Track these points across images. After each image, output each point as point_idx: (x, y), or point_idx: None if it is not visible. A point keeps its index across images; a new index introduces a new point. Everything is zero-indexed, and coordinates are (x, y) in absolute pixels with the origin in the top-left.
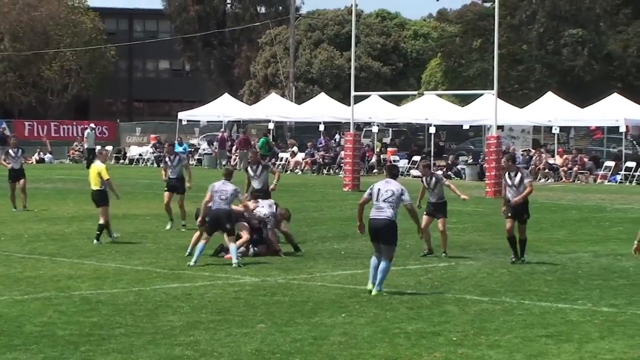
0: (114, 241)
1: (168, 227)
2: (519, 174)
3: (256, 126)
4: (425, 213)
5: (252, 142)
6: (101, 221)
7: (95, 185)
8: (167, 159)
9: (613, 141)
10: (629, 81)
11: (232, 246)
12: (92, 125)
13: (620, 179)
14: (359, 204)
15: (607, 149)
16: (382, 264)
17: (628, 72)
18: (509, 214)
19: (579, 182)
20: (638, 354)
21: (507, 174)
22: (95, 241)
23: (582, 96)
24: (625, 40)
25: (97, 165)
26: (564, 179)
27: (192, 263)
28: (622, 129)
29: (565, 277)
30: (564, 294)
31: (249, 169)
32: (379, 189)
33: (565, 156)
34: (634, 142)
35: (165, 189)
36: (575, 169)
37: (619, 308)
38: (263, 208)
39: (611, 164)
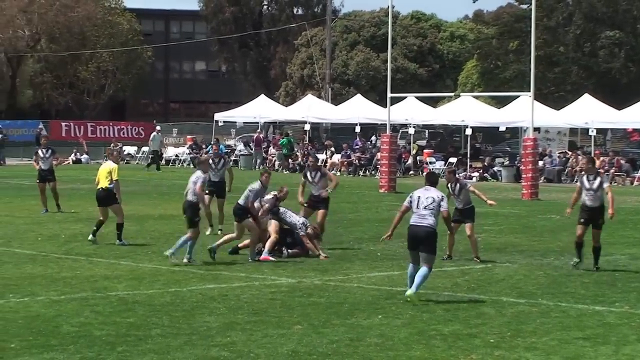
0: (94, 242)
1: (208, 232)
2: (599, 178)
3: (292, 127)
4: (452, 220)
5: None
6: (119, 220)
7: (103, 184)
8: (210, 162)
9: None
10: None
11: (183, 237)
12: (158, 127)
13: None
14: (399, 212)
15: None
16: (422, 270)
17: None
18: (583, 219)
19: (615, 184)
20: None
21: (585, 177)
22: (117, 242)
23: (619, 98)
24: None
25: (110, 165)
26: None
27: (168, 253)
28: None
29: (602, 280)
30: (601, 297)
31: (307, 174)
32: (419, 197)
33: (602, 158)
34: None
35: (206, 192)
36: (612, 171)
37: None
38: (292, 217)
39: None
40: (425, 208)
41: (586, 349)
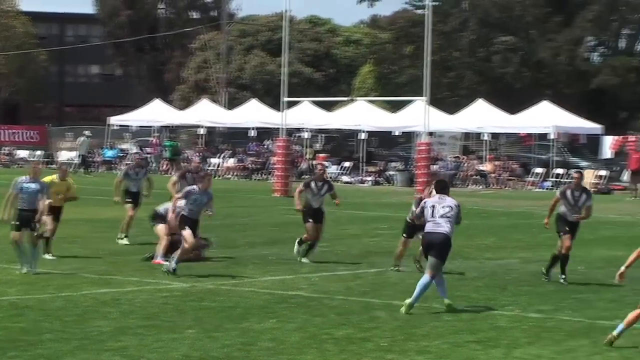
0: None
1: (125, 242)
2: (584, 195)
3: (187, 131)
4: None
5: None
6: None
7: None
8: (131, 172)
9: (542, 148)
10: (559, 89)
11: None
12: (88, 132)
13: (549, 186)
14: (411, 218)
15: (536, 155)
16: (423, 278)
17: (558, 79)
18: (565, 230)
19: (508, 188)
20: (564, 359)
21: (570, 191)
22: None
23: (513, 103)
24: (556, 47)
25: (69, 181)
26: (493, 186)
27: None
28: (552, 136)
29: (494, 283)
30: (492, 300)
31: (312, 184)
32: (433, 206)
33: (495, 163)
34: (564, 149)
35: (129, 201)
36: (504, 175)
37: (547, 314)
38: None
39: (540, 170)
40: (441, 216)
41: (477, 352)
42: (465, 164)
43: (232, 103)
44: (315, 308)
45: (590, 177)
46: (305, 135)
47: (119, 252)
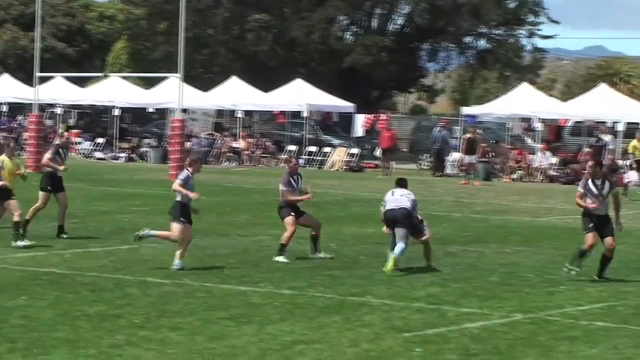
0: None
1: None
2: (607, 183)
3: None
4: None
5: None
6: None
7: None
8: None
9: (296, 126)
10: (312, 67)
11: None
12: None
13: (302, 163)
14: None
15: (289, 133)
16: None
17: (311, 58)
18: (589, 227)
19: (261, 165)
20: (317, 335)
21: (591, 181)
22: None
23: (266, 81)
24: (309, 26)
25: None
26: (246, 163)
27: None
28: (305, 114)
29: (247, 260)
30: (245, 277)
31: (292, 180)
32: (393, 192)
33: (248, 140)
34: (316, 126)
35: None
36: (258, 152)
37: (299, 290)
38: None
39: (293, 148)
40: (401, 196)
41: (230, 328)
42: (219, 141)
43: None
44: (68, 285)
45: (342, 155)
46: (58, 111)
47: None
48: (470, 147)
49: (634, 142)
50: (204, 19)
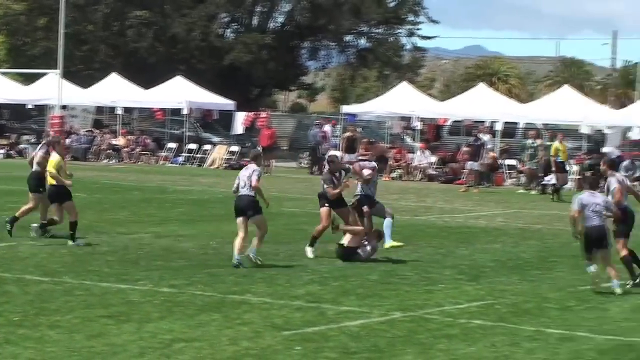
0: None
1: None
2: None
3: None
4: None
5: None
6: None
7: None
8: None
9: (176, 123)
10: (193, 64)
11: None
12: None
13: (182, 161)
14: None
15: (169, 130)
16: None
17: (192, 55)
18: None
19: (141, 163)
20: (197, 333)
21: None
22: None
23: (146, 78)
24: (190, 23)
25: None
26: (126, 160)
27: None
28: (185, 111)
29: (127, 258)
30: (124, 275)
31: (334, 179)
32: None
33: (128, 137)
34: (196, 124)
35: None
36: (137, 150)
37: (179, 288)
38: None
39: (173, 145)
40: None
41: (110, 326)
42: (99, 138)
43: None
44: None
45: (222, 153)
46: None
47: None
48: (350, 146)
49: (556, 144)
50: (84, 15)
